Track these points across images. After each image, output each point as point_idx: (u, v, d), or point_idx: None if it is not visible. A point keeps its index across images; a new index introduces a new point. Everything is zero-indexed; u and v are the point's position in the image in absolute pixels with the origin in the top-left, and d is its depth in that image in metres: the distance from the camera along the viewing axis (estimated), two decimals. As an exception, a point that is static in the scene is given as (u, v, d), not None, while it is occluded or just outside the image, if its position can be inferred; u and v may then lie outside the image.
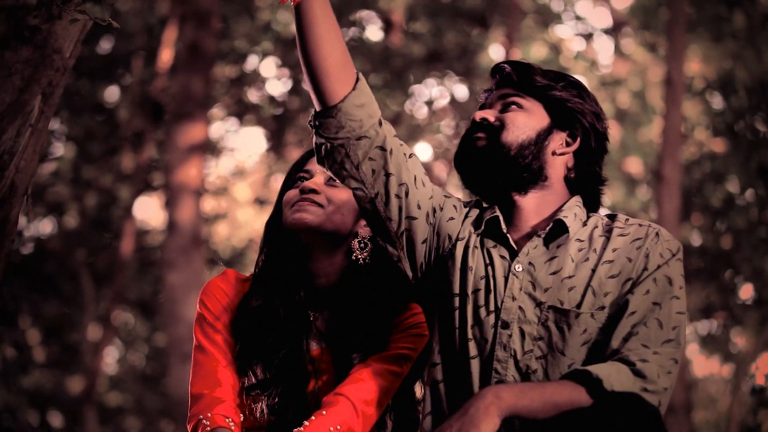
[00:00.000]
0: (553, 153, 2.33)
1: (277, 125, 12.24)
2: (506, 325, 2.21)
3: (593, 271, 2.22)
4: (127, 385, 13.46)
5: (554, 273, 2.22)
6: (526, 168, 2.30)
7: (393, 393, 2.46)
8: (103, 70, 11.08)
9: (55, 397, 12.07)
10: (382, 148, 2.27)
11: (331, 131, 2.25)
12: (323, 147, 2.27)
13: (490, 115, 2.34)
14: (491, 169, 2.30)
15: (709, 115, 10.15)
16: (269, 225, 2.59)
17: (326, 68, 2.21)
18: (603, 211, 2.42)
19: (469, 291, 2.25)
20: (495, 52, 12.74)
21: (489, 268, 2.26)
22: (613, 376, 2.08)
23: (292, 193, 2.52)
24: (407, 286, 2.44)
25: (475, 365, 2.21)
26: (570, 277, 2.21)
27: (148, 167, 11.35)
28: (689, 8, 8.68)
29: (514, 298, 2.22)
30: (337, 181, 2.33)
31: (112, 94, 12.00)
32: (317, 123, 2.26)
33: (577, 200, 2.34)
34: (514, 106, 2.35)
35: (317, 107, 2.26)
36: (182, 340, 8.12)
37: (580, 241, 2.27)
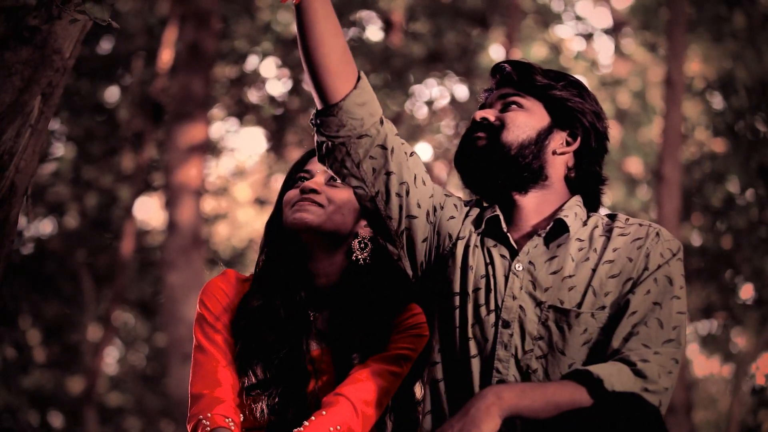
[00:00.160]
0: (554, 152, 2.33)
1: (278, 125, 12.23)
2: (507, 325, 2.21)
3: (594, 270, 2.22)
4: (128, 385, 13.46)
5: (554, 272, 2.22)
6: (527, 167, 2.30)
7: (393, 393, 2.45)
8: (103, 71, 11.06)
9: (55, 397, 12.06)
10: (383, 147, 2.26)
11: (332, 129, 2.25)
12: (324, 145, 2.27)
13: (491, 114, 2.34)
14: (491, 169, 2.30)
15: (709, 115, 10.14)
16: (269, 225, 2.59)
17: (327, 66, 2.21)
18: (603, 211, 2.42)
19: (470, 290, 2.25)
20: (495, 52, 12.73)
21: (489, 267, 2.26)
22: (613, 376, 2.07)
23: (293, 193, 2.52)
24: (407, 286, 2.44)
25: (475, 364, 2.21)
26: (570, 276, 2.21)
27: (148, 167, 11.34)
28: (689, 8, 8.68)
29: (514, 298, 2.22)
30: (338, 181, 2.33)
31: (112, 94, 11.98)
32: (318, 121, 2.26)
33: (577, 200, 2.34)
34: (514, 106, 2.35)
35: (318, 105, 2.26)
36: (182, 340, 8.12)
37: (581, 240, 2.27)
